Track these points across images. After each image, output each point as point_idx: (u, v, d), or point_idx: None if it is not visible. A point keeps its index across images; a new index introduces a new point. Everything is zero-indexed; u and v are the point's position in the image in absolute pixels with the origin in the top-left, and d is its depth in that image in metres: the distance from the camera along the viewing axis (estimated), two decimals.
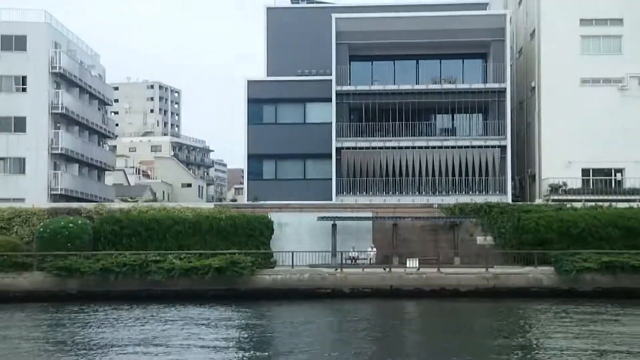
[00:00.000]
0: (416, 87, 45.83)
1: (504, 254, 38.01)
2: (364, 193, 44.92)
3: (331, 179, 44.91)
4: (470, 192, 44.77)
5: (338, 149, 45.29)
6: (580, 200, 42.35)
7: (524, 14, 50.46)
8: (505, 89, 45.05)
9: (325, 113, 45.87)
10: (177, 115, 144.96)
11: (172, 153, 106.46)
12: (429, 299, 32.68)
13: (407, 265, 34.27)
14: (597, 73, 45.64)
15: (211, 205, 40.25)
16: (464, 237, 39.16)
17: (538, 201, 44.40)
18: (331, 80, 45.49)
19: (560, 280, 33.25)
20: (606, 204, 40.27)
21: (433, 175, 45.03)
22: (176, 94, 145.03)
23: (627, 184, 44.99)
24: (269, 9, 51.41)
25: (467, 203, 40.11)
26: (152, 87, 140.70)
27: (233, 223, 36.92)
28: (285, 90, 46.71)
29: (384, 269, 33.97)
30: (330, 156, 45.09)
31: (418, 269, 33.89)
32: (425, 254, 37.96)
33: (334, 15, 45.69)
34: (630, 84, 45.55)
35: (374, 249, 37.77)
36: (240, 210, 38.85)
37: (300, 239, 38.74)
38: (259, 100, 46.81)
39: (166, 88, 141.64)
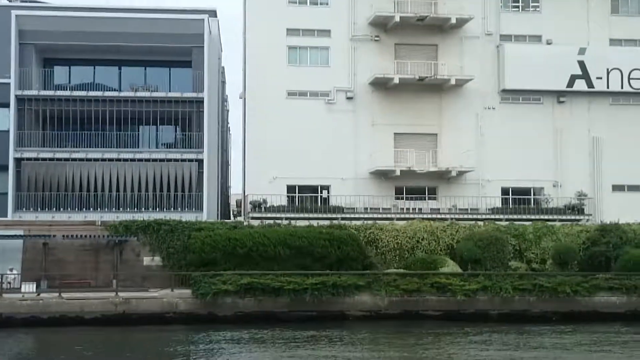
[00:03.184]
0: (107, 94, 42.18)
1: (171, 277, 34.72)
2: (46, 209, 40.63)
3: (7, 193, 40.31)
4: (165, 209, 41.56)
5: (17, 160, 40.79)
6: (280, 218, 40.12)
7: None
8: (203, 99, 42.20)
9: (5, 120, 41.24)
10: None
11: None
12: (47, 327, 28.74)
13: (23, 289, 30.22)
14: (304, 86, 43.73)
15: None
16: (129, 257, 35.66)
17: (240, 219, 41.74)
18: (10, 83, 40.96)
19: (198, 305, 30.33)
20: (308, 222, 38.11)
21: (125, 190, 41.45)
22: None
23: (333, 202, 43.19)
24: None
25: (134, 220, 36.68)
26: None
27: None
28: None
29: None
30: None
31: (38, 294, 29.89)
32: (84, 276, 34.17)
33: (14, 12, 41.37)
34: (338, 98, 43.97)
35: (14, 271, 33.44)
36: None
37: None
38: None
39: None
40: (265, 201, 41.98)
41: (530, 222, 39.48)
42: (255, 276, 30.83)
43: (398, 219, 41.03)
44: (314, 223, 38.28)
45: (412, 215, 42.10)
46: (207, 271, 32.69)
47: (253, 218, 40.81)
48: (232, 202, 55.55)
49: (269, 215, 41.12)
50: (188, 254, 34.59)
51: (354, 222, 38.14)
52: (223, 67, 53.82)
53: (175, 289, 31.21)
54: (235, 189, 55.37)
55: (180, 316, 29.97)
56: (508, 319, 31.02)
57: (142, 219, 36.71)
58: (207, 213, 42.71)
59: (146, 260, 35.61)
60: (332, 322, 30.07)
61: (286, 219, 40.45)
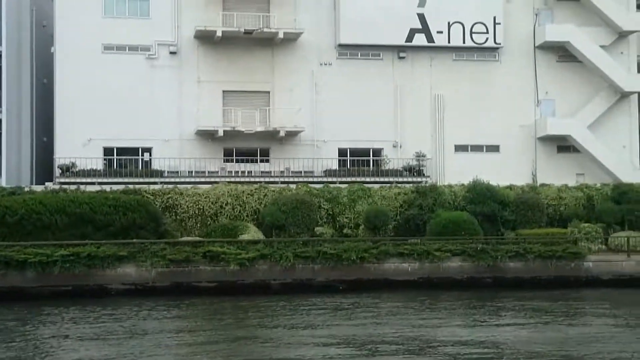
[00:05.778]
0: None
1: None
2: None
3: None
4: None
5: None
6: (93, 183, 37.08)
7: None
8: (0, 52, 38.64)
9: None
10: None
11: None
12: None
13: None
14: (122, 39, 40.34)
15: None
16: None
17: (48, 184, 38.45)
18: None
19: None
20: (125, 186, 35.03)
21: None
22: None
23: (155, 165, 40.18)
24: None
25: None
26: None
27: None
28: None
29: None
30: None
31: None
32: None
33: None
34: (160, 53, 40.70)
35: None
36: None
37: None
38: None
39: None
40: (74, 164, 38.86)
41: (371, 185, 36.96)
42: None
43: (226, 183, 38.31)
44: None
45: (241, 179, 39.53)
46: None
47: (62, 183, 37.69)
48: None
49: (79, 180, 38.09)
50: None
51: (152, 187, 35.16)
52: None
53: None
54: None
55: None
56: (291, 290, 28.52)
57: None
58: (19, 178, 39.53)
59: None
60: (90, 298, 27.23)
61: (99, 183, 37.53)
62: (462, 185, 36.23)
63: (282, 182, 39.07)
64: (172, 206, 34.24)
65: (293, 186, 36.02)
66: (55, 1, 40.01)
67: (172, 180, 38.89)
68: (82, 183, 37.44)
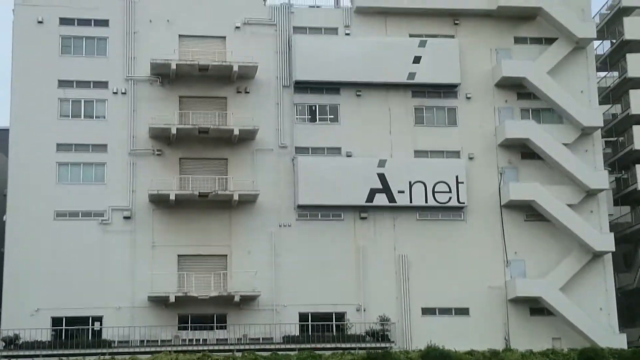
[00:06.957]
0: None
1: None
2: None
3: None
4: None
5: None
6: (37, 356, 35.39)
7: None
8: None
9: None
10: None
11: None
12: None
13: None
14: (75, 205, 39.59)
15: None
16: None
17: None
18: None
19: None
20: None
21: None
22: None
23: (106, 334, 38.24)
24: None
25: None
26: None
27: None
28: None
29: None
30: None
31: None
32: None
33: None
34: (113, 218, 39.82)
35: None
36: None
37: None
38: None
39: None
40: (17, 336, 37.10)
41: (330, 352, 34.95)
42: None
43: (179, 352, 36.36)
44: None
45: (196, 348, 37.58)
46: None
47: (4, 357, 35.90)
48: None
49: (23, 353, 36.36)
50: None
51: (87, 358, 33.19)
52: None
53: None
54: None
55: None
56: None
57: None
58: None
59: None
60: None
61: (44, 356, 35.83)
62: (420, 350, 33.97)
63: (238, 350, 37.14)
64: None
65: (239, 354, 33.91)
66: (9, 169, 39.72)
67: (122, 350, 36.97)
68: (26, 356, 35.81)
